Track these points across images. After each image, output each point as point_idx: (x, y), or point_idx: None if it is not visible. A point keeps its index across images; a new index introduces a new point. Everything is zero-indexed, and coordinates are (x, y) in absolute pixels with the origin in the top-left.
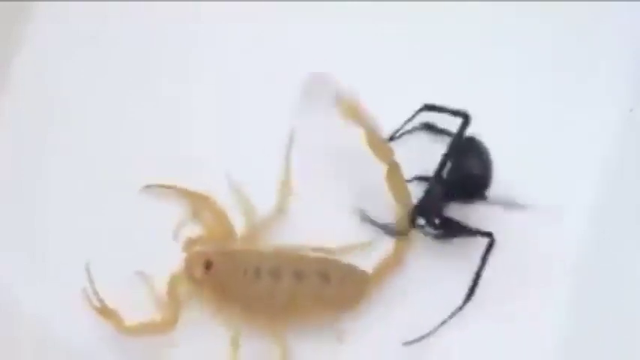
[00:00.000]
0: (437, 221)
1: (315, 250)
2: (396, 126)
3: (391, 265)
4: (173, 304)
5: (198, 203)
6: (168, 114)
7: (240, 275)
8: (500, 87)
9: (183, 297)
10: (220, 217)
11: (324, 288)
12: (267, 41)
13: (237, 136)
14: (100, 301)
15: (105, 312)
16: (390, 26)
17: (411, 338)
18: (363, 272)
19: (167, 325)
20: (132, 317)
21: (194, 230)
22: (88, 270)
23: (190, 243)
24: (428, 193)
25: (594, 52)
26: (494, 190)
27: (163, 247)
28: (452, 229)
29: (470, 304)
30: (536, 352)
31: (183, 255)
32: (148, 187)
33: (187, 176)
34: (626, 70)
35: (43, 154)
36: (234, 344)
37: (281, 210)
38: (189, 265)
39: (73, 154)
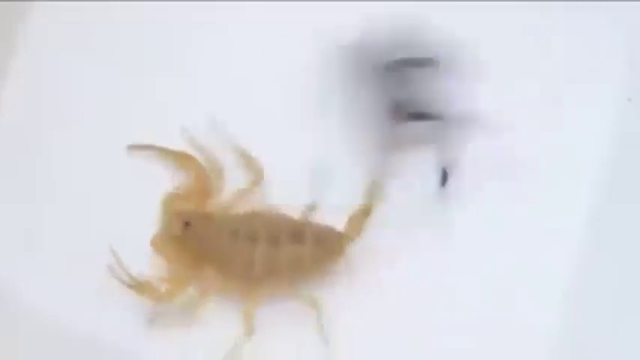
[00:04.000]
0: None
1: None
2: None
3: (362, 217)
4: (171, 260)
5: (180, 162)
6: (167, 113)
7: (217, 236)
8: (498, 84)
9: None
10: (200, 174)
11: (300, 249)
12: (268, 39)
13: (238, 134)
14: (131, 277)
15: (138, 287)
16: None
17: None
18: (339, 232)
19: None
20: None
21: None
22: (113, 251)
23: (169, 200)
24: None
25: (592, 46)
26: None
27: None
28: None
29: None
30: (535, 350)
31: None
32: (131, 147)
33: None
34: (623, 60)
35: (40, 153)
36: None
37: (256, 182)
38: (167, 224)
39: (71, 152)
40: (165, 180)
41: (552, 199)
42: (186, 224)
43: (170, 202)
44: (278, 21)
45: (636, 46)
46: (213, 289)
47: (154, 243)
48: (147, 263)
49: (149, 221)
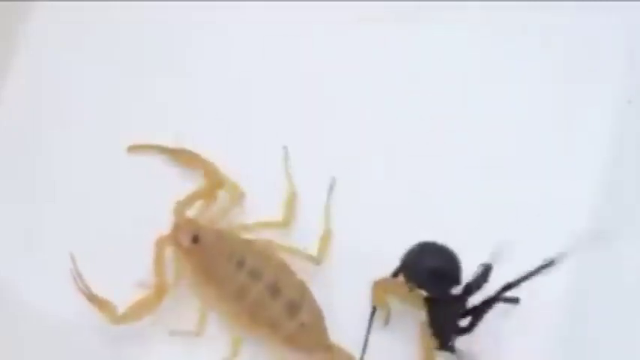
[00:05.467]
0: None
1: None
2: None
3: None
4: (160, 268)
5: (183, 159)
6: (167, 113)
7: (224, 259)
8: (496, 85)
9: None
10: (209, 169)
11: (286, 320)
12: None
13: (238, 138)
14: (89, 289)
15: (96, 300)
16: (392, 29)
17: None
18: (326, 337)
19: (157, 295)
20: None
21: (184, 192)
22: (73, 260)
23: (180, 206)
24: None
25: (592, 46)
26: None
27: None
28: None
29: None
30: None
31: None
32: (131, 148)
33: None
34: (623, 61)
35: (40, 153)
36: (203, 318)
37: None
38: (176, 231)
39: (71, 152)
40: (165, 179)
41: (553, 198)
42: (195, 238)
43: (183, 206)
44: (278, 21)
45: (636, 46)
46: (208, 306)
47: (157, 244)
48: (145, 265)
49: (149, 222)
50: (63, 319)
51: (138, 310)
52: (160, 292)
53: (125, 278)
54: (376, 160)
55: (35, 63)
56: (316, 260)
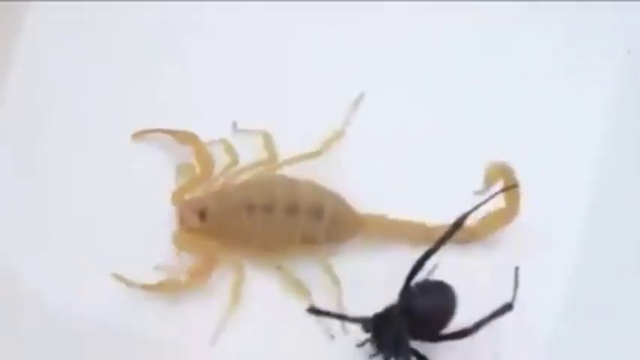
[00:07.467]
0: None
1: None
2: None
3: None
4: (196, 254)
5: (182, 138)
6: (168, 113)
7: (235, 215)
8: (496, 84)
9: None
10: (203, 154)
11: (316, 224)
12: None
13: (238, 138)
14: (142, 285)
15: (157, 287)
16: (391, 27)
17: None
18: (355, 213)
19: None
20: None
21: (179, 180)
22: (120, 277)
23: (178, 193)
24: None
25: (590, 46)
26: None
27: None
28: None
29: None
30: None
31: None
32: (135, 134)
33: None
34: (623, 60)
35: (41, 153)
36: (237, 286)
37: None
38: (183, 218)
39: (72, 152)
40: (167, 175)
41: (553, 195)
42: (202, 215)
43: (180, 195)
44: (278, 21)
45: (636, 46)
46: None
47: (176, 241)
48: (150, 259)
49: (153, 216)
50: (67, 314)
51: (200, 274)
52: (205, 272)
53: (134, 273)
54: (377, 158)
55: (35, 63)
56: (318, 152)
